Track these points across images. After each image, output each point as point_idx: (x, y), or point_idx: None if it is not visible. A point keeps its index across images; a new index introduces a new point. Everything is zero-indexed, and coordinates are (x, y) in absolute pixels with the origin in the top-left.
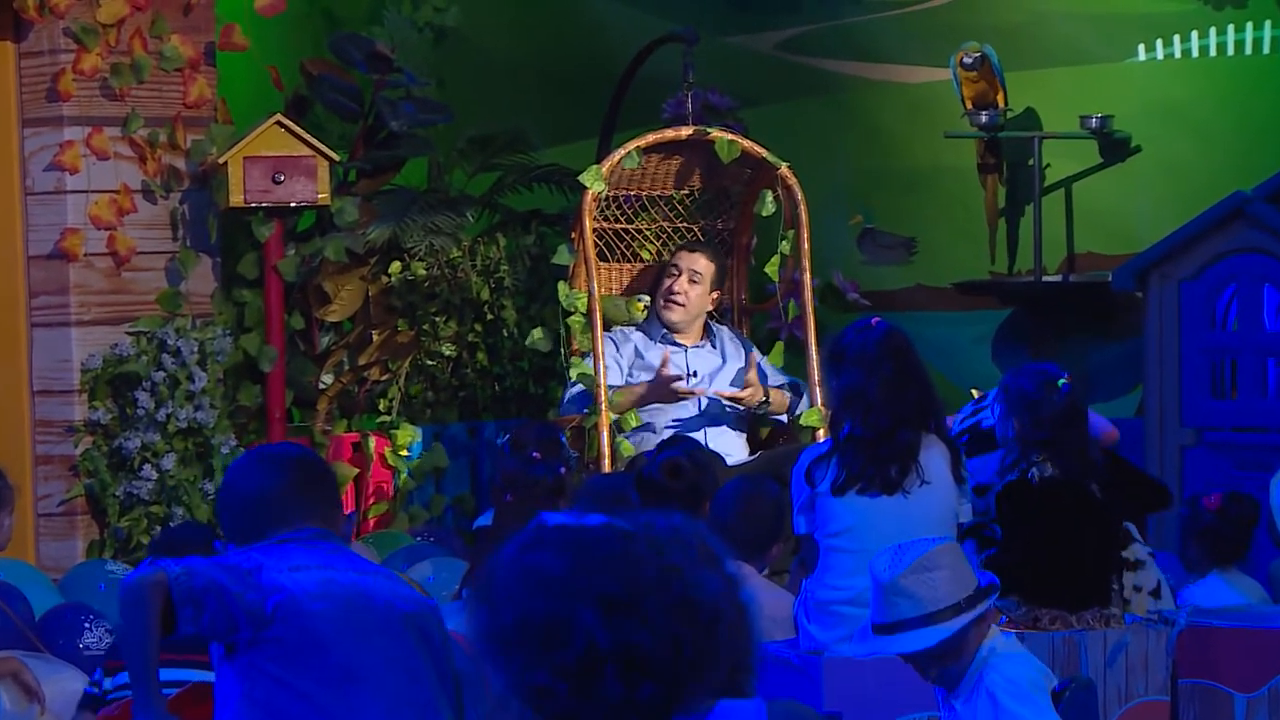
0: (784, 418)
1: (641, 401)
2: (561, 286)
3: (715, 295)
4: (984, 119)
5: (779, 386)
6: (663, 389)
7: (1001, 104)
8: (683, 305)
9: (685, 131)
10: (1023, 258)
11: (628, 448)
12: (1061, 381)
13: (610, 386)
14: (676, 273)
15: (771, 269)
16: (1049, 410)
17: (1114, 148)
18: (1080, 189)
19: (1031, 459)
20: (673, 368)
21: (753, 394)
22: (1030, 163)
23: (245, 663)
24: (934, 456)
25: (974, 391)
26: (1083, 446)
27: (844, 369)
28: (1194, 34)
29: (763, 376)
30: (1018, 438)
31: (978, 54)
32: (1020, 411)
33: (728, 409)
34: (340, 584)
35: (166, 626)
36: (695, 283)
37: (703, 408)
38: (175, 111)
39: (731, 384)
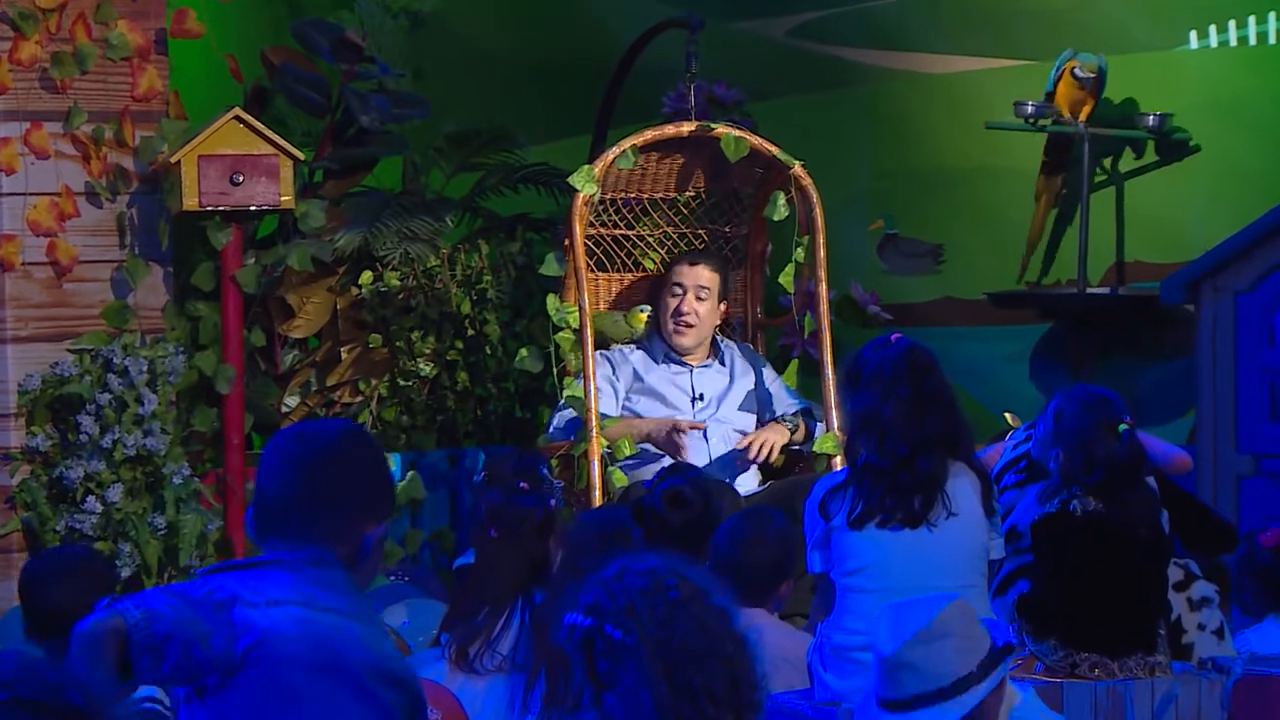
0: (801, 447)
1: (641, 439)
2: (551, 299)
3: (724, 307)
4: (1029, 109)
5: (795, 414)
6: (669, 444)
7: (1083, 118)
8: (694, 326)
9: (687, 127)
10: (1062, 267)
11: (620, 478)
12: (1122, 427)
13: (603, 415)
14: (681, 291)
15: (785, 279)
16: (1104, 455)
17: (1172, 147)
18: (1127, 190)
19: (1074, 491)
20: (678, 392)
21: (760, 450)
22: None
23: (212, 708)
24: (962, 486)
25: (1008, 416)
26: (1140, 496)
27: (859, 391)
28: (1251, 19)
29: (770, 399)
30: (1063, 472)
31: (1095, 72)
32: (1070, 449)
33: (737, 433)
34: (320, 626)
35: (124, 674)
36: (702, 299)
37: (707, 432)
38: (123, 105)
39: (741, 407)
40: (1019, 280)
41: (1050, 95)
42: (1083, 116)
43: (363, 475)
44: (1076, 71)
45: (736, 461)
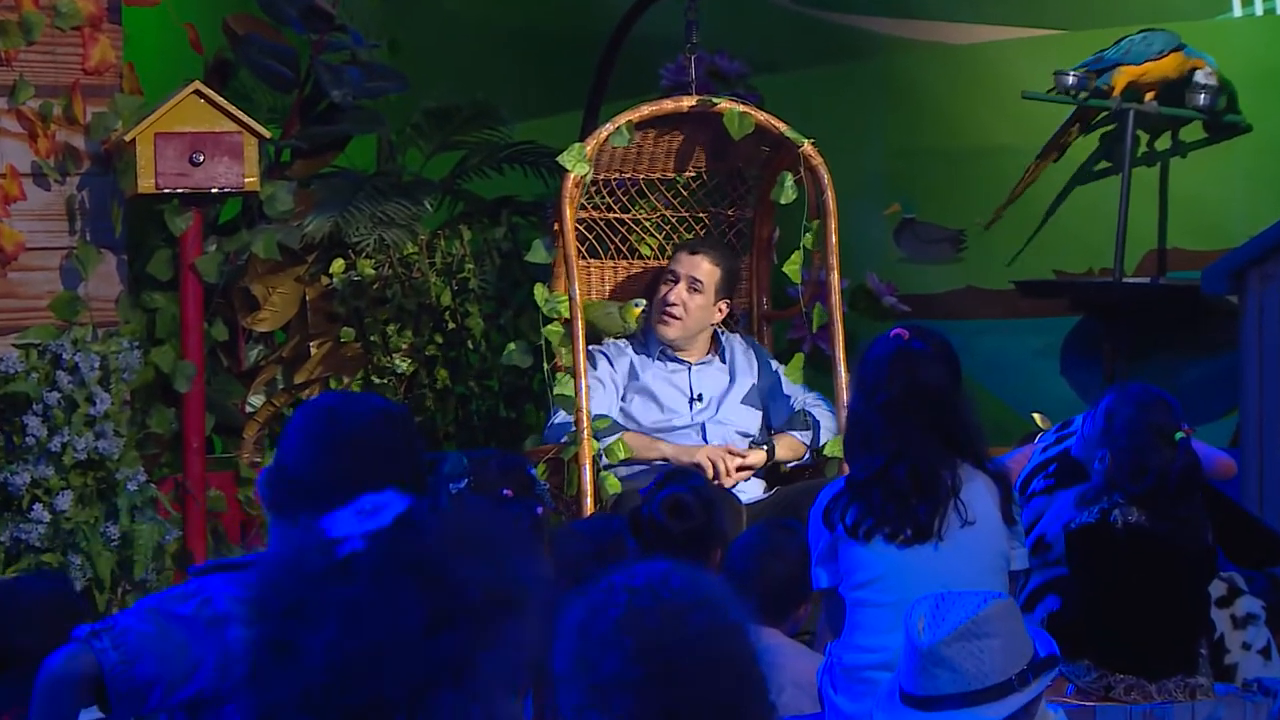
0: (805, 459)
1: (650, 453)
2: (539, 289)
3: (722, 305)
4: (1071, 80)
5: (789, 419)
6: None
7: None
8: (679, 319)
9: (687, 103)
10: (1097, 254)
11: (614, 484)
12: (1179, 435)
13: (596, 415)
14: (673, 279)
15: (791, 268)
16: (1156, 464)
17: (1223, 128)
18: (1170, 172)
19: (1116, 499)
20: (675, 392)
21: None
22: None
23: None
24: (978, 492)
25: (1037, 417)
26: (1189, 512)
27: (854, 390)
28: None
29: (778, 394)
30: (1108, 476)
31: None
32: (1119, 452)
33: (740, 436)
34: None
35: (102, 708)
36: (696, 291)
37: (707, 435)
38: (73, 79)
39: (744, 401)
40: (987, 227)
41: (1103, 68)
42: (1149, 95)
43: (392, 463)
44: (1202, 78)
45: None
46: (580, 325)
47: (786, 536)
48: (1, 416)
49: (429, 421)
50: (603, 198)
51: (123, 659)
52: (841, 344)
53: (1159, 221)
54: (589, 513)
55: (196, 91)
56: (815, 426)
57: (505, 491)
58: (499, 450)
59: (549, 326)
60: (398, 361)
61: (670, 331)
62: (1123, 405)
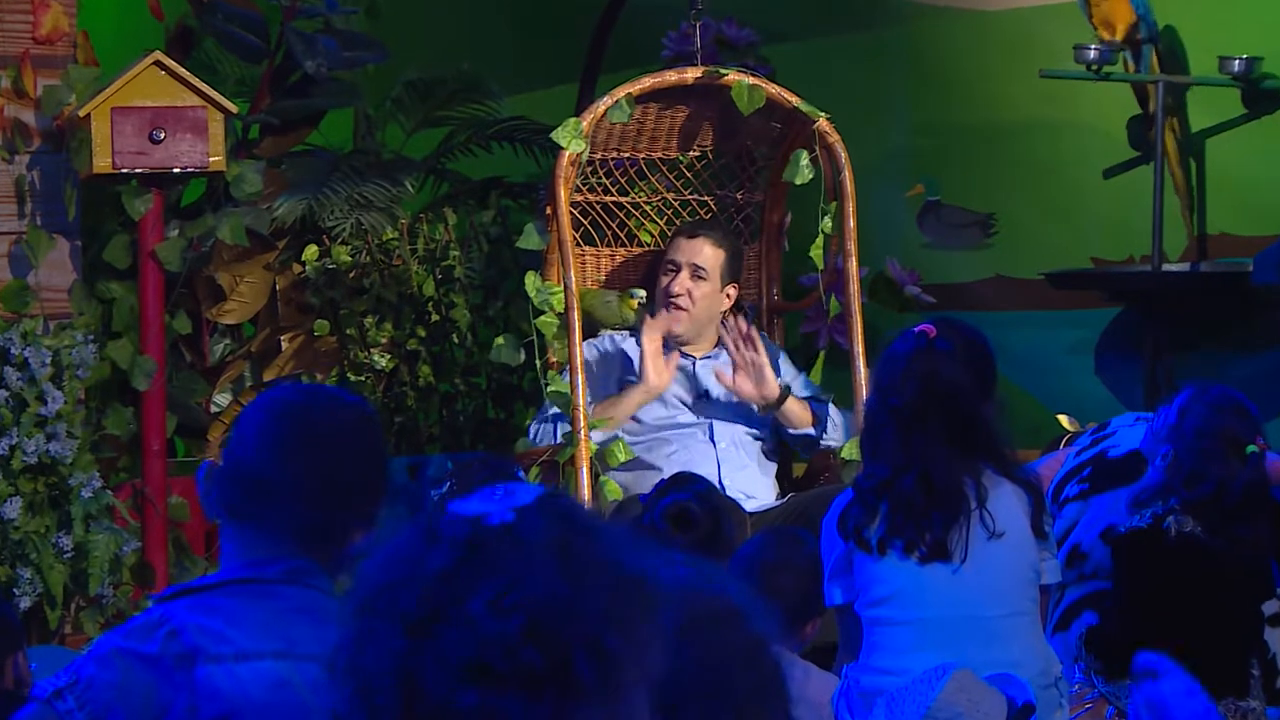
0: (811, 431)
1: (625, 407)
2: (530, 278)
3: (730, 291)
4: (1092, 54)
5: (805, 399)
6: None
7: (1120, 37)
8: (686, 310)
9: (692, 74)
10: (1135, 240)
11: (614, 489)
12: (1250, 449)
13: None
14: (674, 269)
15: (816, 253)
16: (1219, 474)
17: (1261, 98)
18: (1210, 150)
19: (1172, 504)
20: (677, 388)
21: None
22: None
23: None
24: (1006, 502)
25: (1063, 419)
26: (1252, 532)
27: (869, 390)
28: None
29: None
30: (1166, 475)
31: None
32: (1182, 452)
33: (751, 436)
34: (297, 689)
35: None
36: (701, 278)
37: (715, 435)
38: (22, 49)
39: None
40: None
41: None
42: (1119, 34)
43: (365, 469)
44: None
45: (750, 467)
46: (576, 317)
47: (796, 547)
48: None
49: (411, 422)
50: (599, 179)
51: (89, 717)
52: (860, 337)
53: (1197, 203)
54: None
55: (157, 62)
56: (825, 416)
57: None
58: (486, 453)
59: (542, 318)
60: (376, 357)
61: (678, 326)
62: (1198, 404)
